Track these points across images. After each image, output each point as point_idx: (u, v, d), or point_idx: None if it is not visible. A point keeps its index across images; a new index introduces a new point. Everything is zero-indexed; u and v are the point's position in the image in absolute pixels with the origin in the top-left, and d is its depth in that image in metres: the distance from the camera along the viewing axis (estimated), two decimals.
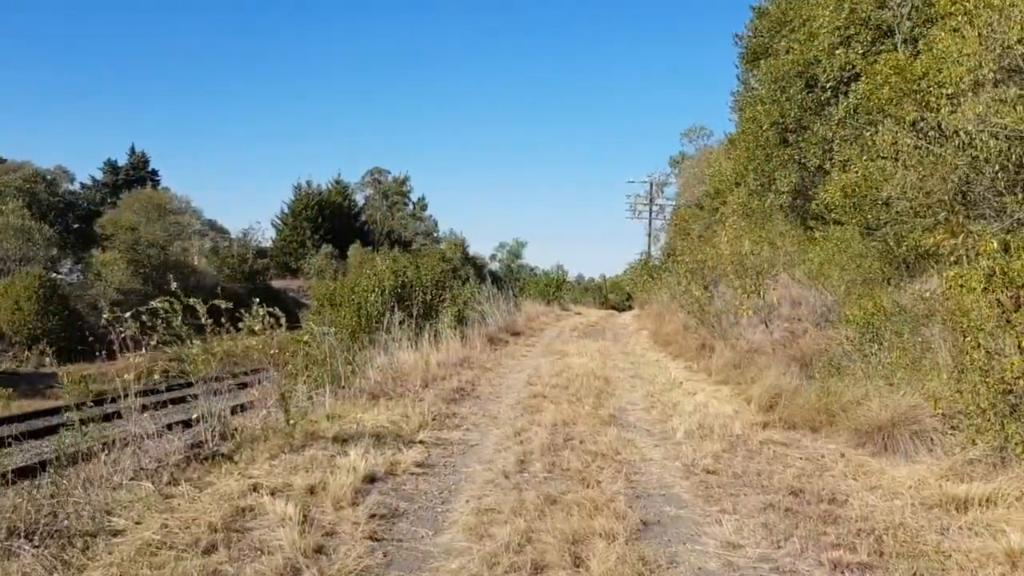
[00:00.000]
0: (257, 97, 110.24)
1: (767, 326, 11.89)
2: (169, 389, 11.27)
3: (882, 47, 14.90)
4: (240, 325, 8.98)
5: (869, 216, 12.61)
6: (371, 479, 6.10)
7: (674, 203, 47.47)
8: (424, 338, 13.82)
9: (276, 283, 52.64)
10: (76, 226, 47.23)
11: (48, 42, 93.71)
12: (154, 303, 6.51)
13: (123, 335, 6.55)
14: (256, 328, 9.03)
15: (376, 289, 16.47)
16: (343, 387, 9.92)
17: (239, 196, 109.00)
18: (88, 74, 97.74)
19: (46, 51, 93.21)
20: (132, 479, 5.57)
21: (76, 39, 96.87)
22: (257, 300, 8.37)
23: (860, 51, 15.26)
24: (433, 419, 8.64)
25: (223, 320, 7.85)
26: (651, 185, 52.00)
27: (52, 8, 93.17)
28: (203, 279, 47.39)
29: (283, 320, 9.19)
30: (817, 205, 15.07)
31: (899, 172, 11.86)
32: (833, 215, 13.94)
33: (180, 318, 6.65)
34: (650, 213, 51.59)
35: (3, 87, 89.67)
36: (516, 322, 23.78)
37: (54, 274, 43.20)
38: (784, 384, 9.63)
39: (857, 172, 12.26)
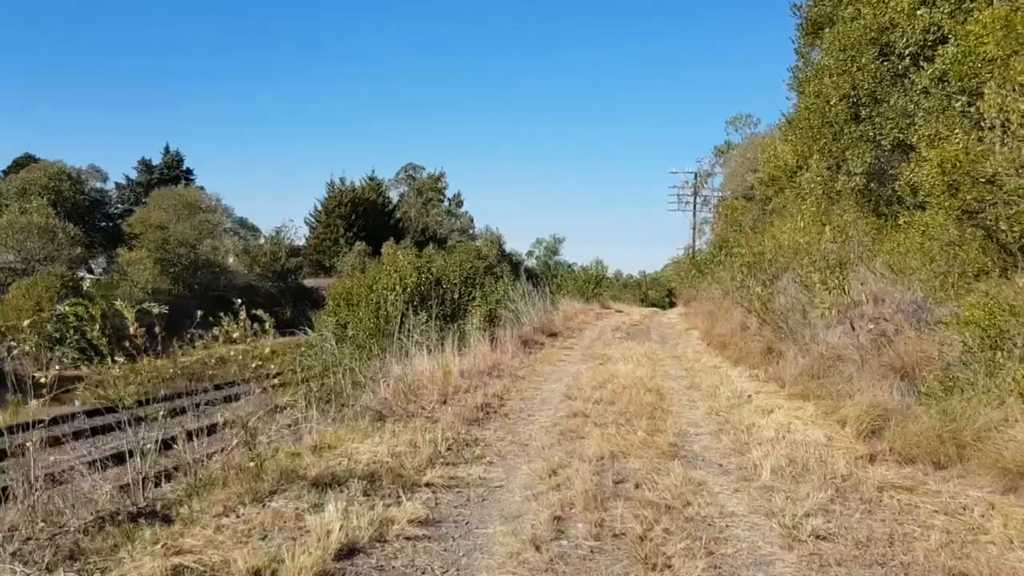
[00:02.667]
0: (293, 95, 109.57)
1: (853, 327, 9.99)
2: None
3: (973, 4, 12.84)
4: (216, 332, 7.42)
5: (969, 196, 10.63)
6: (349, 551, 4.38)
7: (719, 194, 45.36)
8: (448, 342, 12.07)
9: (309, 282, 51.44)
10: (103, 224, 46.31)
11: (87, 43, 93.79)
12: (61, 307, 4.84)
13: (15, 352, 4.88)
14: (235, 335, 7.43)
15: (397, 287, 14.81)
16: (345, 406, 8.24)
17: (274, 195, 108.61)
18: (125, 74, 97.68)
19: (84, 50, 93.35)
20: None
21: (115, 43, 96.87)
22: (264, 299, 6.66)
23: (947, 10, 13.22)
24: (448, 448, 6.90)
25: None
26: (696, 175, 49.83)
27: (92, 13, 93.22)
28: (234, 278, 46.46)
29: (270, 324, 7.57)
30: (901, 186, 13.08)
31: (1010, 143, 9.95)
32: (922, 197, 11.96)
33: (99, 327, 4.97)
34: (694, 205, 49.45)
35: (40, 87, 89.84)
36: (553, 321, 22.00)
37: (84, 273, 42.46)
38: (887, 402, 7.73)
39: (959, 144, 10.28)
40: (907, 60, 14.22)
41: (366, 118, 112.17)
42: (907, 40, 13.85)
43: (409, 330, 12.80)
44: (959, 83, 12.11)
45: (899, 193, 14.53)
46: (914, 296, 11.48)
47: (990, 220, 10.54)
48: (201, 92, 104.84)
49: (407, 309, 14.58)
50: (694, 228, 48.89)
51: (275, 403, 7.58)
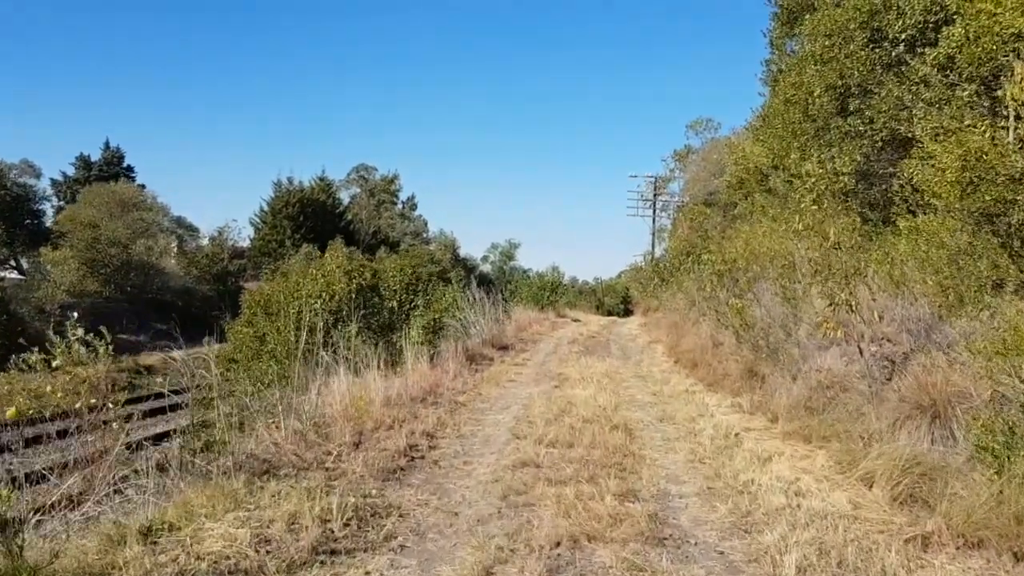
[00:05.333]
0: (241, 95, 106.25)
1: (861, 351, 8.29)
2: None
3: None
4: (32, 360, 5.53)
5: (989, 197, 9.04)
6: None
7: (679, 199, 43.98)
8: (374, 362, 10.10)
9: (251, 285, 48.84)
10: (28, 222, 43.29)
11: (28, 37, 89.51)
12: None
13: None
14: (56, 362, 5.49)
15: (323, 294, 12.83)
16: (219, 455, 6.26)
17: (222, 196, 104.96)
18: (66, 70, 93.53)
19: (25, 45, 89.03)
20: None
21: (57, 35, 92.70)
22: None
23: None
24: (346, 523, 4.97)
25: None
26: (655, 179, 48.37)
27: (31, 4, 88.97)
28: (169, 280, 43.88)
29: (105, 347, 5.64)
30: (901, 186, 11.47)
31: None
32: (928, 198, 10.35)
33: None
34: (654, 210, 47.97)
35: None
36: (505, 332, 20.15)
37: (4, 273, 39.57)
38: (922, 455, 6.01)
39: (984, 134, 8.65)
40: (901, 47, 12.67)
41: (318, 119, 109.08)
42: (904, 23, 12.30)
43: (334, 346, 10.85)
44: (970, 68, 10.55)
45: (891, 195, 12.99)
46: (919, 312, 9.86)
47: (1013, 224, 8.97)
48: (147, 89, 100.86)
49: (335, 320, 12.62)
50: (654, 234, 47.46)
51: (114, 446, 5.60)
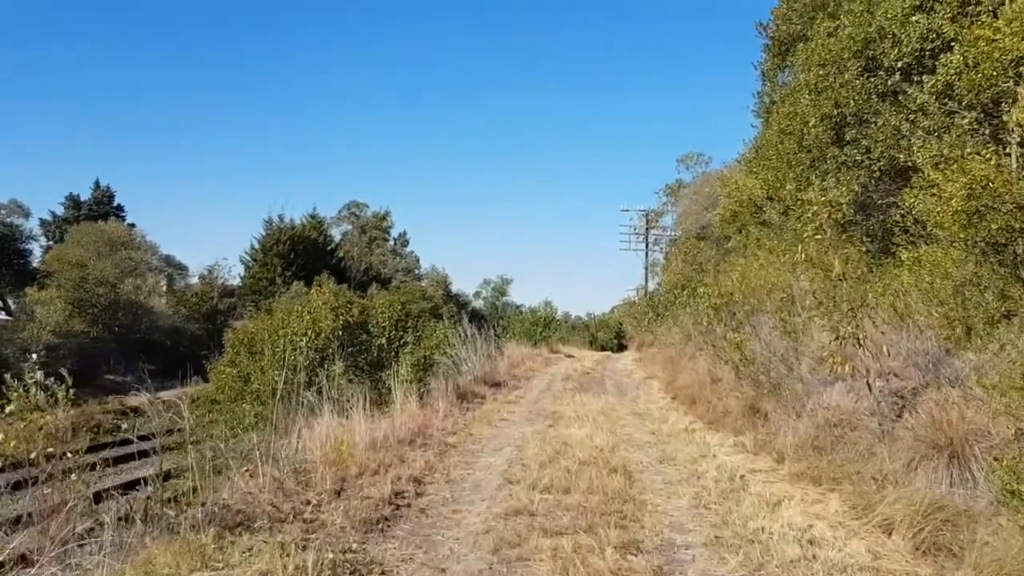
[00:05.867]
0: (233, 134, 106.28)
1: (870, 387, 7.90)
2: None
3: (979, 7, 11.13)
4: None
5: (995, 226, 8.75)
6: None
7: (672, 233, 43.79)
8: (360, 402, 9.66)
9: (240, 323, 48.24)
10: (15, 262, 42.83)
11: (15, 75, 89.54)
12: None
13: None
14: (9, 407, 5.09)
15: (308, 332, 12.41)
16: (189, 505, 5.82)
17: (213, 235, 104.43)
18: (56, 108, 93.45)
19: (12, 84, 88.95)
20: None
21: (46, 73, 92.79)
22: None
23: (948, 15, 11.49)
24: None
25: None
26: (647, 213, 48.22)
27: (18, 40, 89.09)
28: (158, 319, 43.34)
29: (64, 391, 5.24)
30: (903, 216, 11.18)
31: None
32: (930, 228, 10.07)
33: None
34: (646, 244, 47.75)
35: None
36: (497, 369, 19.72)
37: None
38: (944, 499, 5.63)
39: (989, 161, 8.37)
40: (897, 75, 12.47)
41: (308, 157, 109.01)
42: (900, 51, 12.09)
43: (319, 385, 10.46)
44: (969, 95, 10.32)
45: (889, 225, 12.72)
46: (925, 345, 9.51)
47: (1019, 254, 8.69)
48: (138, 129, 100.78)
49: (321, 359, 12.20)
50: (647, 268, 47.18)
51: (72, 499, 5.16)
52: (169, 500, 5.96)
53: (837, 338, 7.75)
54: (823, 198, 8.11)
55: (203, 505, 5.93)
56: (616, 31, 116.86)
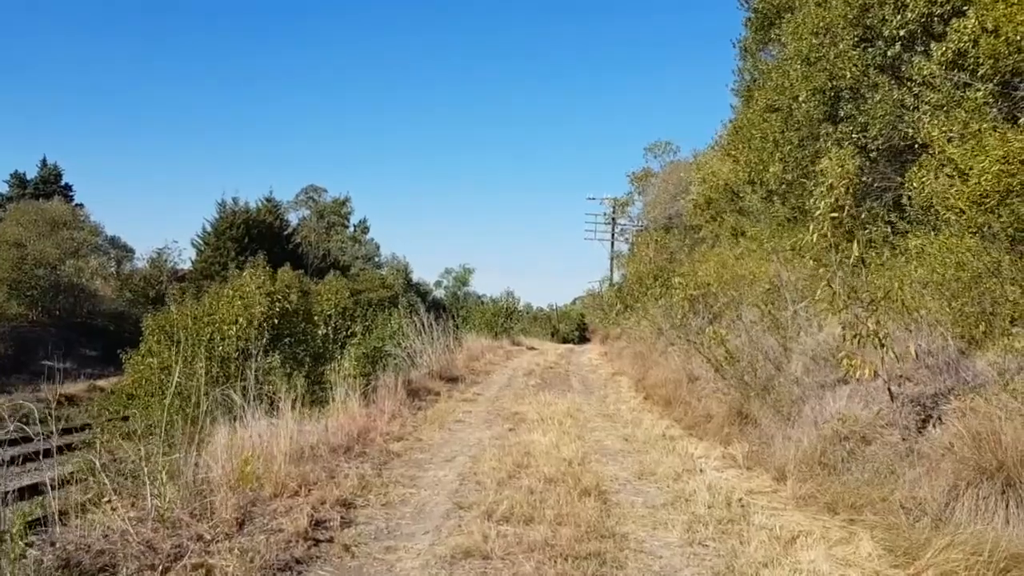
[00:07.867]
0: (189, 115, 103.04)
1: (891, 396, 6.70)
2: None
3: None
4: None
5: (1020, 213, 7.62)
6: None
7: (638, 224, 42.73)
8: (289, 400, 8.22)
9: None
10: None
11: None
12: None
13: None
14: None
15: (240, 319, 10.94)
16: (22, 555, 4.37)
17: (166, 218, 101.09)
18: (4, 86, 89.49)
19: None
20: None
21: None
22: None
23: None
24: None
25: None
26: (613, 202, 47.06)
27: None
28: (100, 304, 41.25)
29: None
30: (913, 198, 10.02)
31: None
32: (945, 213, 8.91)
33: None
34: (612, 234, 46.61)
35: None
36: (454, 362, 18.36)
37: None
38: (1005, 540, 4.40)
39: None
40: (898, 45, 11.31)
41: (264, 140, 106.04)
42: (904, 17, 10.93)
43: (248, 381, 8.99)
44: (986, 65, 9.16)
45: (889, 209, 11.59)
46: (937, 345, 8.35)
47: None
48: (91, 109, 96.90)
49: (249, 350, 10.72)
50: (612, 258, 46.02)
51: None
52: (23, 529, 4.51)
53: (855, 336, 6.52)
54: (839, 169, 6.76)
55: (53, 545, 4.51)
56: (587, 22, 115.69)
